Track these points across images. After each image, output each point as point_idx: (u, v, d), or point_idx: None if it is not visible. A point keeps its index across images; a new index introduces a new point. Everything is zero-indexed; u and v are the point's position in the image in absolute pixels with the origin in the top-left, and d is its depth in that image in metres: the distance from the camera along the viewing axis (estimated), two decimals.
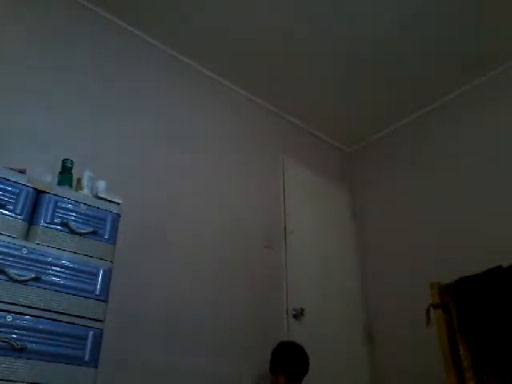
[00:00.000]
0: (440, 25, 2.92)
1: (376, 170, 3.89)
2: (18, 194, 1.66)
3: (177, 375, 2.35)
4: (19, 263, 1.57)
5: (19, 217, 1.63)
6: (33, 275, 1.57)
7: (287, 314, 3.00)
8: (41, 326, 1.54)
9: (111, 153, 2.60)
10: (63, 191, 1.80)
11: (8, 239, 1.58)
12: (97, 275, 1.72)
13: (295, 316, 3.01)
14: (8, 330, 1.47)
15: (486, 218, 2.97)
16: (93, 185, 2.02)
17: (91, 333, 1.63)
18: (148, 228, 2.56)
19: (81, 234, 1.75)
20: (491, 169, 3.07)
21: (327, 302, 3.26)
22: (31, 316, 1.53)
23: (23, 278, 1.55)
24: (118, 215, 1.90)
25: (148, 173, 2.71)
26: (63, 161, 2.02)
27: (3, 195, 1.63)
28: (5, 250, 1.56)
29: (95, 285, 1.71)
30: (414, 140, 3.66)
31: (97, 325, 1.66)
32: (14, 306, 1.51)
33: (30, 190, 1.70)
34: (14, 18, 2.51)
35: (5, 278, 1.52)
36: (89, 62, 2.72)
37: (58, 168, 2.03)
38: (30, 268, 1.59)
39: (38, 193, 1.73)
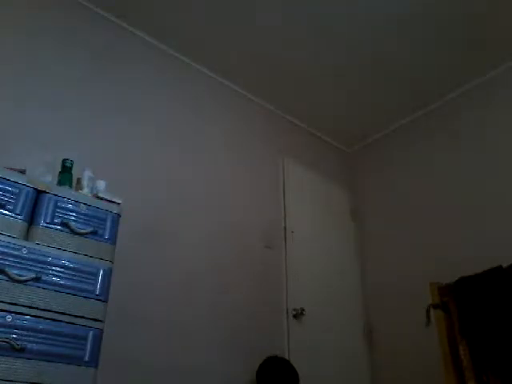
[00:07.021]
0: (440, 24, 2.92)
1: (376, 169, 3.89)
2: (17, 194, 1.66)
3: (177, 375, 2.35)
4: (19, 263, 1.57)
5: (19, 217, 1.63)
6: (33, 275, 1.57)
7: (287, 313, 3.00)
8: (41, 326, 1.54)
9: (111, 153, 2.60)
10: (63, 191, 1.80)
11: (8, 239, 1.58)
12: (97, 275, 1.72)
13: (295, 316, 3.01)
14: (8, 330, 1.47)
15: (486, 218, 2.97)
16: (93, 185, 2.02)
17: (91, 333, 1.63)
18: (148, 228, 2.56)
19: (81, 234, 1.75)
20: (491, 168, 3.07)
21: (327, 302, 3.26)
22: (31, 316, 1.53)
23: (23, 278, 1.55)
24: (118, 215, 1.90)
25: (148, 173, 2.71)
26: (63, 161, 2.03)
27: (3, 195, 1.63)
28: (5, 250, 1.56)
29: (95, 285, 1.71)
30: (413, 140, 3.66)
31: (97, 325, 1.66)
32: (14, 306, 1.51)
33: (30, 189, 1.70)
34: (14, 18, 2.51)
35: (5, 278, 1.52)
36: (89, 62, 2.72)
37: (58, 168, 2.03)
38: (30, 268, 1.59)
39: (38, 193, 1.73)
